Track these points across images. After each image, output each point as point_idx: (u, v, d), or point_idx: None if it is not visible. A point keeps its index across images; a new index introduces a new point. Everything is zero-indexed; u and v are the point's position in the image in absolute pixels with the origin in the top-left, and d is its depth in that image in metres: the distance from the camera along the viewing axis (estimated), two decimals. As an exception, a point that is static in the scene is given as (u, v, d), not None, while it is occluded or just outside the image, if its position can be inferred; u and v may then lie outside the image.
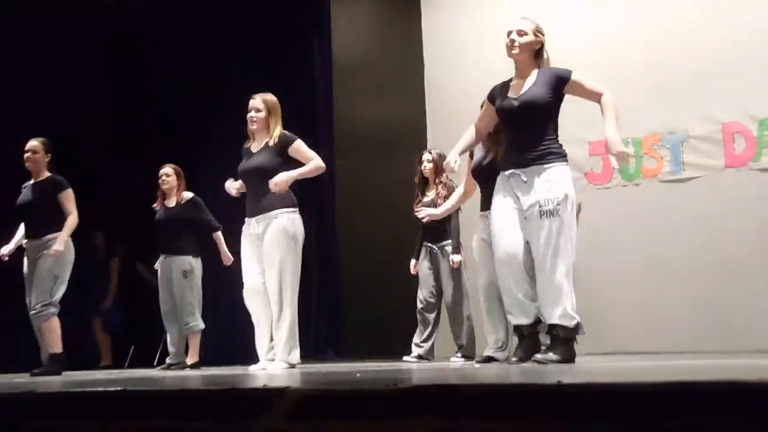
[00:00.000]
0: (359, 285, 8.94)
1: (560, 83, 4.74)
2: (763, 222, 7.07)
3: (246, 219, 6.05)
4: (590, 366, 4.25)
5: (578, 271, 7.53)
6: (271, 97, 6.12)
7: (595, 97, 4.76)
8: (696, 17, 7.60)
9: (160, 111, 10.20)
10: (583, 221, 7.71)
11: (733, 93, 7.29)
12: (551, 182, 4.65)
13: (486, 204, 5.43)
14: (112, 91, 10.44)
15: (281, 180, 5.80)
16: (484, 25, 8.54)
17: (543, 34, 4.86)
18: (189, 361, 7.72)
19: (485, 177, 5.57)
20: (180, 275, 7.70)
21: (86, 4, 9.62)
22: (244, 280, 6.04)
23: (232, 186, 6.26)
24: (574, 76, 4.74)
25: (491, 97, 4.96)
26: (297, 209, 5.99)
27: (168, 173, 7.89)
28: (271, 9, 9.67)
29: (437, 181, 7.15)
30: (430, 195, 7.17)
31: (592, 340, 7.44)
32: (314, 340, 9.22)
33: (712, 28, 7.47)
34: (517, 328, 4.87)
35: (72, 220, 6.69)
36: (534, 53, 4.84)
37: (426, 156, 7.25)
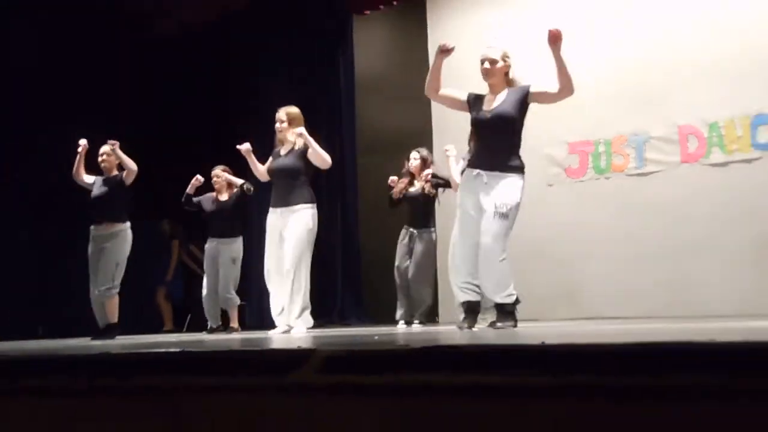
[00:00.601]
0: (377, 263, 8.93)
1: (524, 97, 4.75)
2: (712, 208, 7.06)
3: (271, 208, 6.16)
4: (570, 329, 4.25)
5: (559, 249, 7.63)
6: (292, 109, 6.29)
7: (553, 89, 4.69)
8: (658, 42, 7.57)
9: (212, 119, 10.19)
10: (564, 208, 7.75)
11: (688, 101, 7.27)
12: (507, 190, 4.66)
13: None
14: (166, 100, 10.35)
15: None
16: (482, 41, 8.47)
17: (509, 58, 4.88)
18: (234, 325, 7.80)
19: None
20: (229, 259, 7.76)
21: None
22: (265, 259, 6.17)
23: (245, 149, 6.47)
24: (531, 89, 4.77)
25: (469, 97, 4.93)
26: (315, 205, 6.11)
27: (218, 174, 7.96)
28: (303, 30, 9.75)
29: (422, 176, 7.17)
30: (416, 186, 7.19)
31: (572, 307, 7.48)
32: (340, 309, 9.25)
33: (673, 48, 7.45)
34: (470, 304, 4.84)
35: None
36: (504, 75, 4.87)
37: (413, 154, 7.30)
